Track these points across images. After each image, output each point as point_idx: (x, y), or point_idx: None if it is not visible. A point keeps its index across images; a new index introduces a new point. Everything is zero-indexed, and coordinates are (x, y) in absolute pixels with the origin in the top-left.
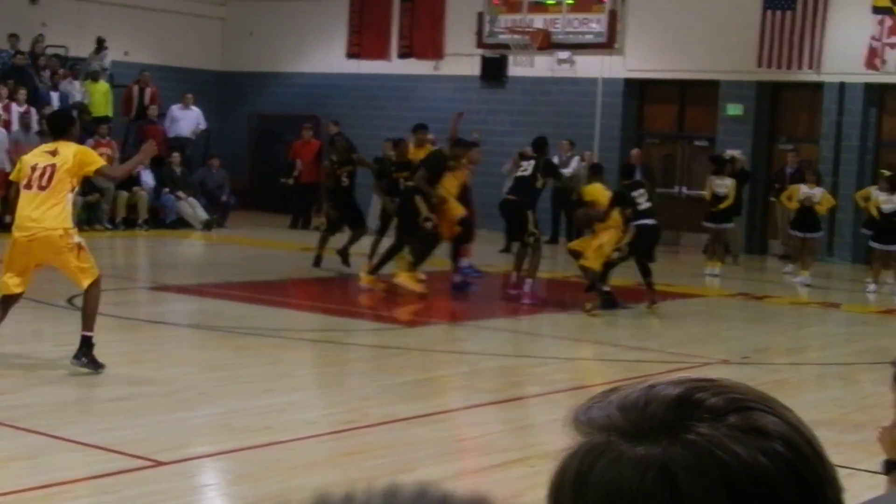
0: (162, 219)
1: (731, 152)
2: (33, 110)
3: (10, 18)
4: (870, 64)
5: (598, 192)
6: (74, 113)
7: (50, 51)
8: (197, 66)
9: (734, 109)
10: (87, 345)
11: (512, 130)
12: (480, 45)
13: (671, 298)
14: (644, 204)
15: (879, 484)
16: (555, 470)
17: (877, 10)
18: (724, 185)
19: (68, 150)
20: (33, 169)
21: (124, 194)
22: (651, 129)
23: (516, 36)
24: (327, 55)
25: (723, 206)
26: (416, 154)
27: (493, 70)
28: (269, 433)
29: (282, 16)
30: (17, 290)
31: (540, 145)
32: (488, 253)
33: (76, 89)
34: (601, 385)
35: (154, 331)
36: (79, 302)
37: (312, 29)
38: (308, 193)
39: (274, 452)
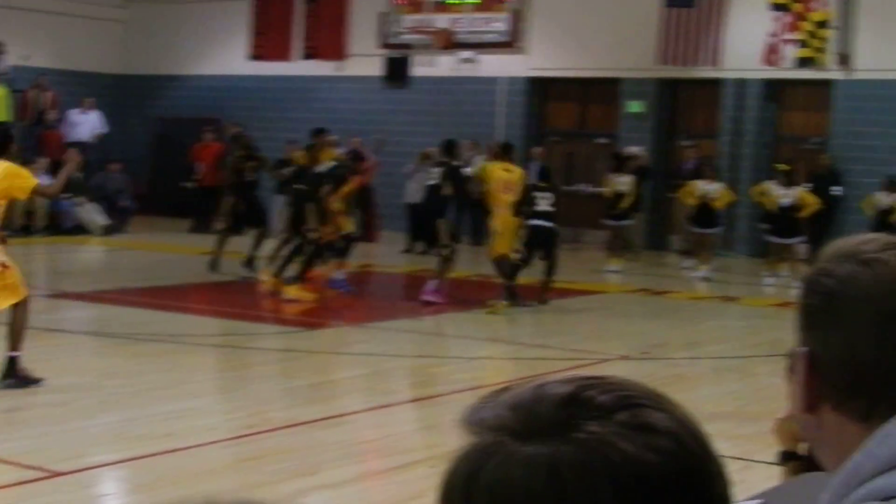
0: (60, 225)
1: (632, 149)
2: None
3: None
4: (767, 60)
5: (491, 171)
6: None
7: None
8: (97, 70)
9: (635, 107)
10: (13, 365)
11: (414, 130)
12: (383, 45)
13: (572, 296)
14: (542, 206)
15: (776, 475)
16: (446, 471)
17: (774, 6)
18: (624, 182)
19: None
20: None
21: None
22: (553, 127)
23: (419, 36)
24: (229, 57)
25: (623, 204)
26: (318, 158)
27: (396, 70)
28: (169, 440)
29: (182, 18)
30: None
31: (448, 148)
32: (390, 254)
33: None
34: (503, 384)
35: (51, 339)
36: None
37: (214, 30)
38: (209, 197)
39: (174, 460)
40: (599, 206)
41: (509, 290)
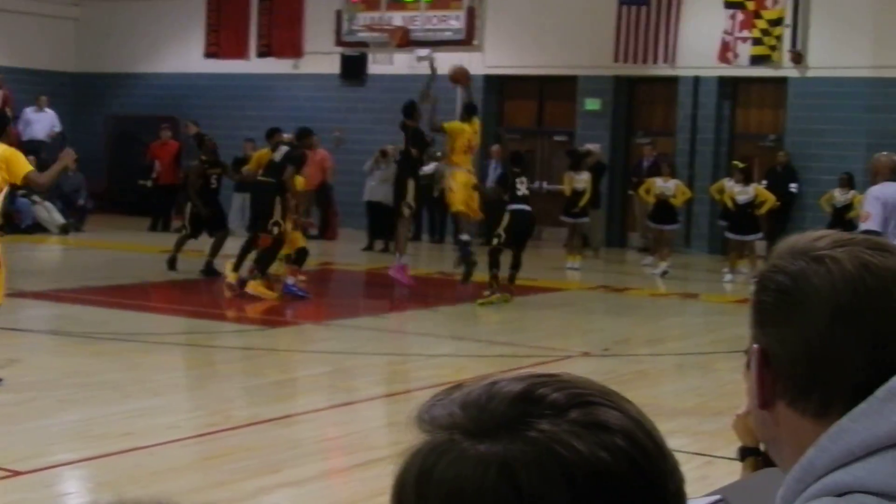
0: (17, 224)
1: (588, 146)
2: None
3: None
4: (723, 58)
5: (460, 130)
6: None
7: None
8: (51, 68)
9: (592, 104)
10: None
11: (372, 128)
12: (339, 43)
13: (533, 293)
14: (522, 190)
15: (738, 471)
16: (398, 469)
17: (728, 4)
18: (582, 179)
19: None
20: None
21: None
22: (511, 125)
23: (375, 34)
24: (185, 55)
25: (582, 201)
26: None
27: (353, 68)
28: (130, 439)
29: (137, 15)
30: None
31: (408, 111)
32: (350, 252)
33: None
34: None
35: (9, 338)
36: None
37: (169, 28)
38: (167, 195)
39: (135, 458)
40: (558, 204)
41: (491, 280)
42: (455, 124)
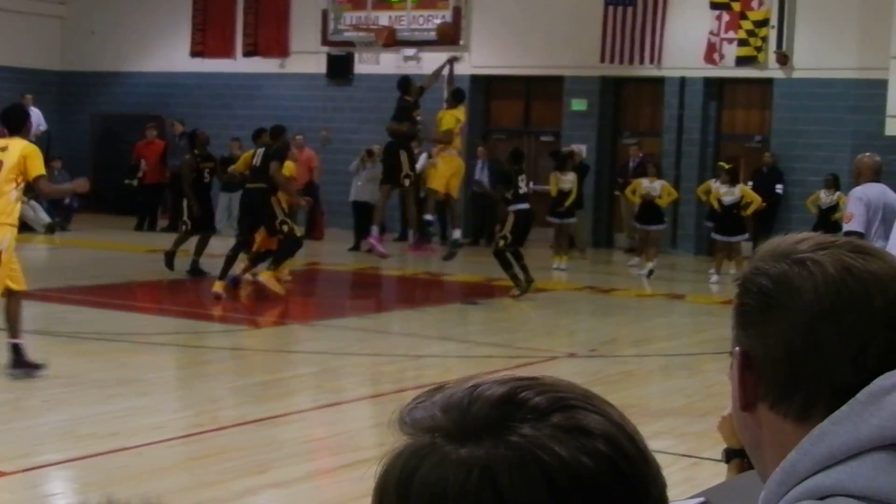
0: None
1: (575, 147)
2: None
3: None
4: (709, 58)
5: (451, 117)
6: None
7: None
8: (36, 66)
9: (578, 105)
10: (17, 352)
11: (359, 128)
12: (326, 42)
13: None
14: (524, 188)
15: (723, 472)
16: (379, 472)
17: (714, 5)
18: (568, 180)
19: (17, 148)
20: None
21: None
22: (497, 125)
23: (361, 33)
24: (171, 54)
25: (568, 202)
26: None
27: (340, 68)
28: (116, 439)
29: (123, 14)
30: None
31: (403, 85)
32: (336, 252)
33: None
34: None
35: None
36: None
37: (155, 27)
38: (153, 194)
39: (121, 459)
40: (545, 204)
41: (513, 278)
42: (448, 118)
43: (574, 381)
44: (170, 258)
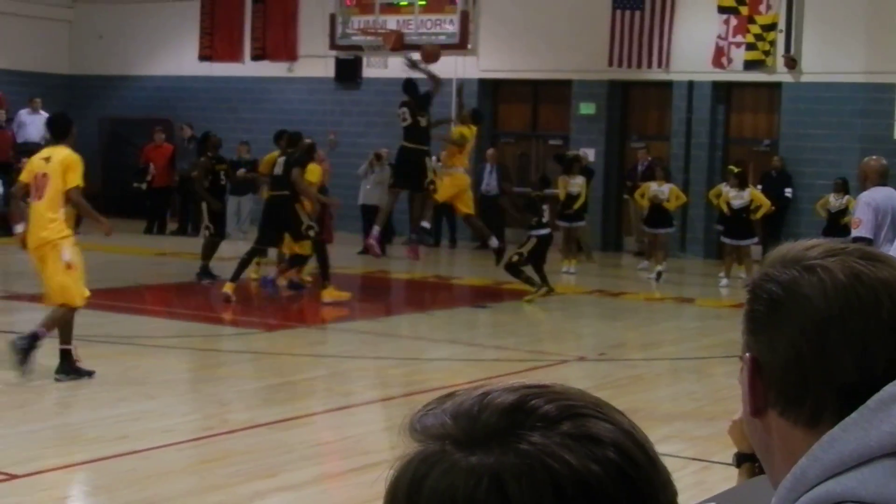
0: (12, 226)
1: (582, 150)
2: None
3: None
4: (716, 62)
5: (470, 136)
6: None
7: None
8: (44, 70)
9: (586, 108)
10: (66, 358)
11: (367, 132)
12: (334, 46)
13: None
14: (546, 216)
15: (734, 476)
16: (389, 479)
17: (722, 9)
18: (577, 183)
19: (58, 157)
20: (36, 177)
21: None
22: (505, 129)
23: (369, 37)
24: (179, 57)
25: (577, 205)
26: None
27: (348, 71)
28: (125, 443)
29: (131, 18)
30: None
31: (408, 89)
32: (345, 255)
33: None
34: (461, 385)
35: (4, 341)
36: None
37: (163, 31)
38: (162, 197)
39: (130, 462)
40: (552, 208)
41: (528, 281)
42: (465, 133)
43: (583, 385)
44: (205, 268)
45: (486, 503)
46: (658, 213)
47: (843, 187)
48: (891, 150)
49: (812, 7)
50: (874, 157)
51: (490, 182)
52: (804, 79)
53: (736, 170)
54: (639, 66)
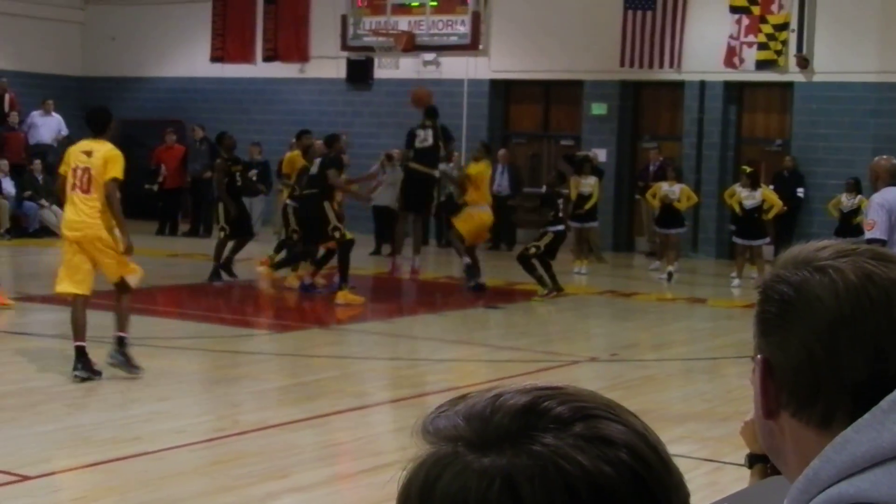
0: (25, 227)
1: (592, 151)
2: None
3: None
4: (728, 62)
5: (485, 173)
6: None
7: None
8: (57, 72)
9: (598, 109)
10: (120, 344)
11: (378, 132)
12: (345, 47)
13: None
14: (561, 212)
15: (746, 477)
16: (402, 481)
17: (734, 9)
18: (589, 184)
19: (100, 152)
20: (74, 171)
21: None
22: (517, 129)
23: (381, 38)
24: (191, 59)
25: (588, 205)
26: (304, 161)
27: (359, 72)
28: (137, 444)
29: (143, 20)
30: (80, 291)
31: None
32: (357, 256)
33: None
34: (472, 386)
35: (17, 342)
36: None
37: (175, 33)
38: (174, 199)
39: (142, 463)
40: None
41: (539, 280)
42: (480, 169)
43: (594, 386)
44: (217, 269)
45: None
46: (669, 214)
47: (855, 187)
48: None
49: (824, 6)
50: (885, 156)
51: (501, 182)
52: (816, 78)
53: (748, 170)
54: (650, 66)
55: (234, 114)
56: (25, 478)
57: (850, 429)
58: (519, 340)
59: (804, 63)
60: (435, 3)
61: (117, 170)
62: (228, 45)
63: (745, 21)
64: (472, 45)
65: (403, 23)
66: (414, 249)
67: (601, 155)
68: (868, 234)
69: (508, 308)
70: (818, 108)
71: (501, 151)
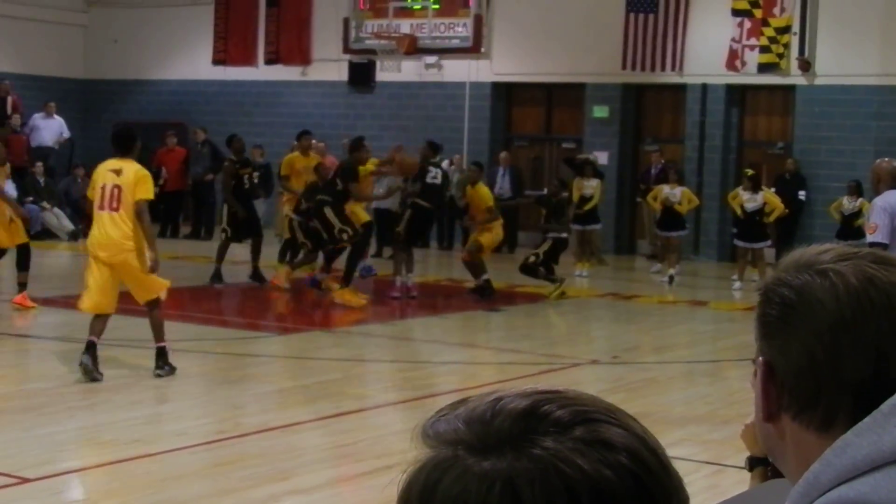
0: (27, 230)
1: (594, 153)
2: None
3: None
4: (730, 65)
5: (484, 194)
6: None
7: None
8: (59, 75)
9: (600, 111)
10: (162, 355)
11: (380, 135)
12: (347, 50)
13: (541, 300)
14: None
15: (747, 480)
16: (402, 484)
17: (736, 12)
18: (591, 186)
19: (131, 170)
20: (102, 189)
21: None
22: (519, 132)
23: (383, 41)
24: (193, 62)
25: (588, 206)
26: (303, 162)
27: (361, 75)
28: (139, 446)
29: (146, 22)
30: (105, 312)
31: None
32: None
33: None
34: (474, 388)
35: (18, 344)
36: None
37: (177, 35)
38: (175, 201)
39: (143, 465)
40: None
41: (547, 278)
42: (482, 192)
43: (596, 388)
44: (218, 271)
45: None
46: (670, 216)
47: (856, 190)
48: None
49: (826, 9)
50: (887, 159)
51: (503, 185)
52: (818, 81)
53: (750, 173)
54: (652, 69)
55: (236, 116)
56: (26, 480)
57: (851, 432)
58: (520, 343)
59: (806, 66)
60: (437, 6)
61: (148, 190)
62: (230, 47)
63: (747, 24)
64: (473, 47)
65: (405, 26)
66: (407, 269)
67: (603, 158)
68: (870, 238)
69: (510, 310)
70: (820, 110)
71: (503, 154)
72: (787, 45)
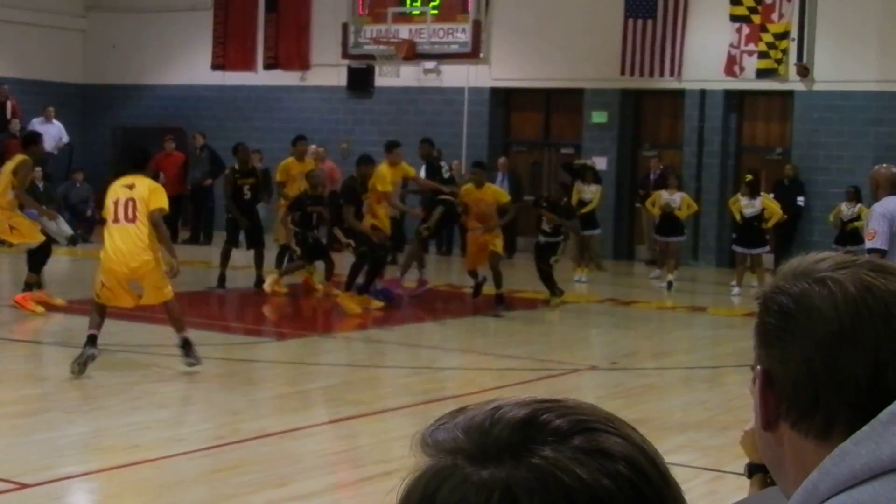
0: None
1: (592, 159)
2: None
3: None
4: (729, 71)
5: (499, 191)
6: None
7: None
8: (58, 80)
9: (599, 117)
10: (187, 345)
11: (379, 140)
12: (346, 55)
13: (540, 306)
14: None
15: (746, 486)
16: (401, 493)
17: (734, 17)
18: (591, 190)
19: (144, 185)
20: (115, 203)
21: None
22: (518, 137)
23: (382, 46)
24: (192, 67)
25: (585, 210)
26: (298, 168)
27: (360, 80)
28: (137, 452)
29: (144, 28)
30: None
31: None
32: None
33: None
34: (473, 394)
35: (17, 349)
36: None
37: (176, 40)
38: (173, 206)
39: (142, 471)
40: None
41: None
42: (492, 190)
43: (594, 394)
44: (223, 276)
45: None
46: (669, 222)
47: (855, 196)
48: None
49: (825, 15)
50: (885, 165)
51: (502, 189)
52: (817, 87)
53: (749, 178)
54: (651, 74)
55: (235, 121)
56: (25, 485)
57: (849, 441)
58: (519, 349)
59: (804, 72)
60: (436, 12)
61: (163, 201)
62: (229, 52)
63: (746, 30)
64: (472, 53)
65: (404, 31)
66: (419, 265)
67: (601, 163)
68: (868, 244)
69: (509, 316)
70: (819, 116)
71: (501, 160)
72: (785, 51)
